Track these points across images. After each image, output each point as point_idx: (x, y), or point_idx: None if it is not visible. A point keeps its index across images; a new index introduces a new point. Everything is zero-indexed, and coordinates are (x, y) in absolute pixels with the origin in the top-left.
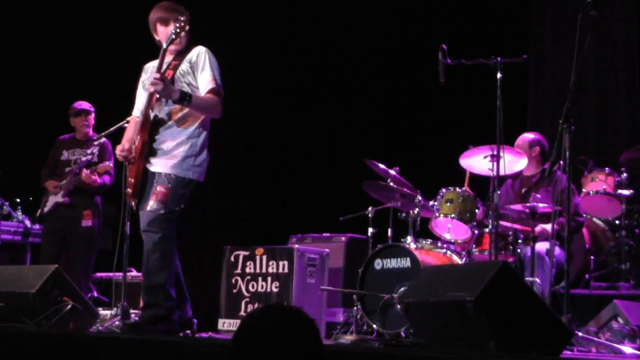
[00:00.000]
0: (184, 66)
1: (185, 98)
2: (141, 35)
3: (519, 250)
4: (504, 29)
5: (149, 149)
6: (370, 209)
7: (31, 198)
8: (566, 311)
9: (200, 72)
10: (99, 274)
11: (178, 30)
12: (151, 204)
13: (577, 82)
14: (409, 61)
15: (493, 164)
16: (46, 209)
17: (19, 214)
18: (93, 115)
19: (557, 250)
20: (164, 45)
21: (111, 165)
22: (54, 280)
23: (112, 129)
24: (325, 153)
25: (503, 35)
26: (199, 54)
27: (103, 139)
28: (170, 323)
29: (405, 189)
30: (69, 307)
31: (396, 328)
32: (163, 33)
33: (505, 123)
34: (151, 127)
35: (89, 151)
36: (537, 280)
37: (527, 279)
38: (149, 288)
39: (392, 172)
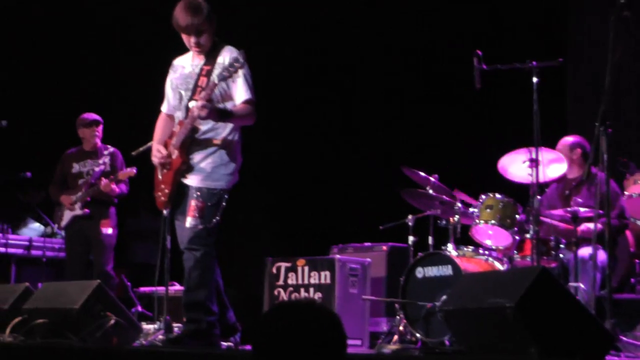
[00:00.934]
0: (217, 72)
1: (225, 117)
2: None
3: (561, 256)
4: (541, 32)
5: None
6: (410, 217)
7: None
8: (609, 316)
9: (235, 80)
10: (142, 289)
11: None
12: (189, 221)
13: (612, 84)
14: (446, 66)
15: (532, 169)
16: (63, 224)
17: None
18: (102, 126)
19: (601, 255)
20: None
21: (134, 171)
22: (97, 295)
23: (143, 147)
24: (364, 162)
25: (540, 39)
26: (232, 59)
27: (112, 149)
28: (212, 337)
29: (444, 196)
30: (112, 322)
31: (439, 336)
32: (187, 40)
33: (544, 127)
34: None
35: (100, 161)
36: (582, 285)
37: (571, 284)
38: (190, 304)
39: (431, 179)
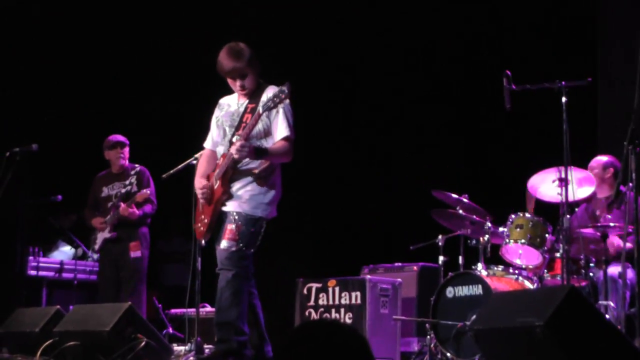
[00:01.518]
0: (262, 104)
1: (261, 155)
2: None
3: (591, 274)
4: (571, 52)
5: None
6: (440, 237)
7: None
8: (639, 334)
9: (274, 116)
10: (173, 310)
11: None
12: (223, 243)
13: None
14: (475, 88)
15: (562, 189)
16: (97, 247)
17: (94, 254)
18: (128, 147)
19: (630, 273)
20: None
21: (148, 192)
22: (128, 317)
23: (180, 166)
24: (393, 182)
25: (570, 59)
26: (275, 90)
27: (138, 167)
28: (242, 357)
29: (474, 216)
30: (143, 343)
31: (470, 356)
32: (233, 84)
33: (575, 146)
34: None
35: (127, 182)
36: (611, 303)
37: (600, 302)
38: (220, 324)
39: (462, 199)
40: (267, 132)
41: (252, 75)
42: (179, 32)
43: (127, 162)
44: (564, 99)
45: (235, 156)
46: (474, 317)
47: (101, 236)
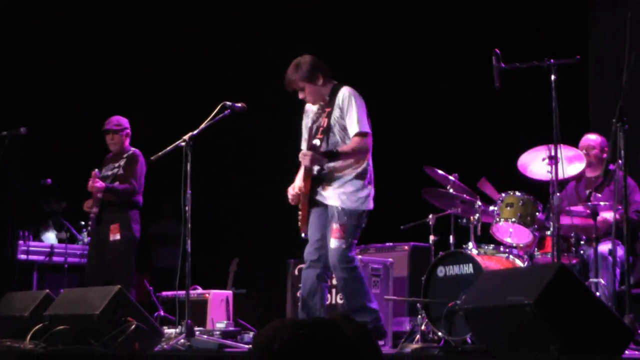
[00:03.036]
0: (336, 112)
1: (333, 157)
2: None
3: (582, 252)
4: (561, 31)
5: (319, 183)
6: (430, 216)
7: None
8: (628, 311)
9: (347, 116)
10: (165, 293)
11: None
12: (333, 242)
13: (629, 81)
14: (467, 66)
15: (551, 167)
16: (90, 228)
17: (85, 237)
18: (128, 130)
19: (621, 250)
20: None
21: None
22: (118, 300)
23: (169, 148)
24: (383, 162)
25: (561, 37)
26: (344, 97)
27: (132, 151)
28: (379, 332)
29: (465, 195)
30: (134, 327)
31: (462, 335)
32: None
33: (567, 125)
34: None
35: (116, 164)
36: (602, 281)
37: (591, 280)
38: (354, 311)
39: (451, 178)
40: (346, 134)
41: (310, 86)
42: (168, 15)
43: (122, 146)
44: (553, 77)
45: (303, 162)
46: (464, 296)
47: (92, 218)
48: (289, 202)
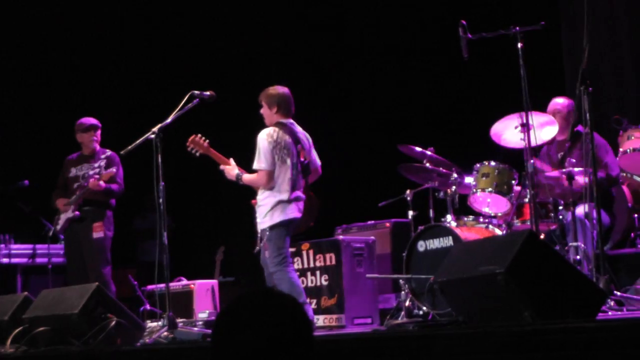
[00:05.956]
0: None
1: (238, 179)
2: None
3: (560, 217)
4: None
5: None
6: (408, 191)
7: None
8: (603, 272)
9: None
10: (150, 287)
11: None
12: None
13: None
14: (434, 39)
15: (524, 134)
16: (59, 227)
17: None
18: (100, 130)
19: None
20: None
21: (114, 171)
22: (97, 298)
23: (138, 141)
24: (358, 142)
25: (532, 3)
26: (258, 139)
27: (109, 152)
28: None
29: (441, 168)
30: (114, 323)
31: (446, 307)
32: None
33: (542, 91)
34: None
35: (96, 164)
36: (581, 244)
37: (570, 244)
38: None
39: (427, 152)
40: None
41: (265, 109)
42: (132, 8)
43: (95, 146)
44: (519, 45)
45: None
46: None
47: (64, 217)
48: None
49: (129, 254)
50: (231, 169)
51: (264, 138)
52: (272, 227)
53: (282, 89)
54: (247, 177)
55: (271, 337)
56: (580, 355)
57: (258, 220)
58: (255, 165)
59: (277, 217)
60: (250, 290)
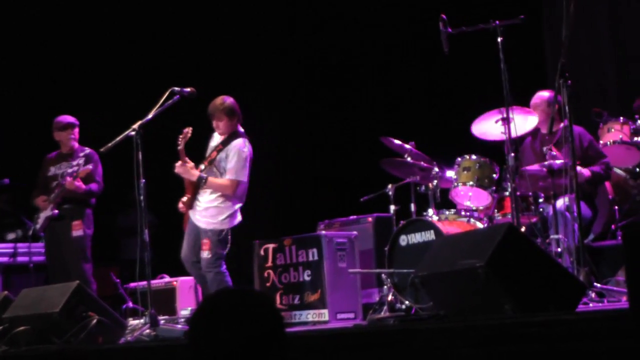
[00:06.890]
0: (223, 154)
1: (201, 181)
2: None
3: (541, 210)
4: None
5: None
6: (390, 186)
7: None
8: (583, 264)
9: (229, 162)
10: (133, 284)
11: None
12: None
13: (568, 37)
14: (415, 33)
15: (505, 127)
16: (38, 226)
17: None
18: (77, 128)
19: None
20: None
21: (90, 167)
22: (78, 296)
23: (118, 138)
24: (339, 137)
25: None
26: (233, 148)
27: (88, 150)
28: None
29: (422, 163)
30: (95, 321)
31: (429, 301)
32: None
33: (524, 84)
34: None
35: (74, 163)
36: (562, 237)
37: (552, 237)
38: None
39: (407, 146)
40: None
41: (227, 122)
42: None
43: (74, 144)
44: (499, 39)
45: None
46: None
47: (44, 215)
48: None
49: (111, 251)
50: (192, 168)
51: (244, 151)
52: (229, 230)
53: (231, 98)
54: (215, 181)
55: (249, 335)
56: (561, 348)
57: (210, 220)
58: (233, 176)
59: (235, 221)
60: (224, 289)
